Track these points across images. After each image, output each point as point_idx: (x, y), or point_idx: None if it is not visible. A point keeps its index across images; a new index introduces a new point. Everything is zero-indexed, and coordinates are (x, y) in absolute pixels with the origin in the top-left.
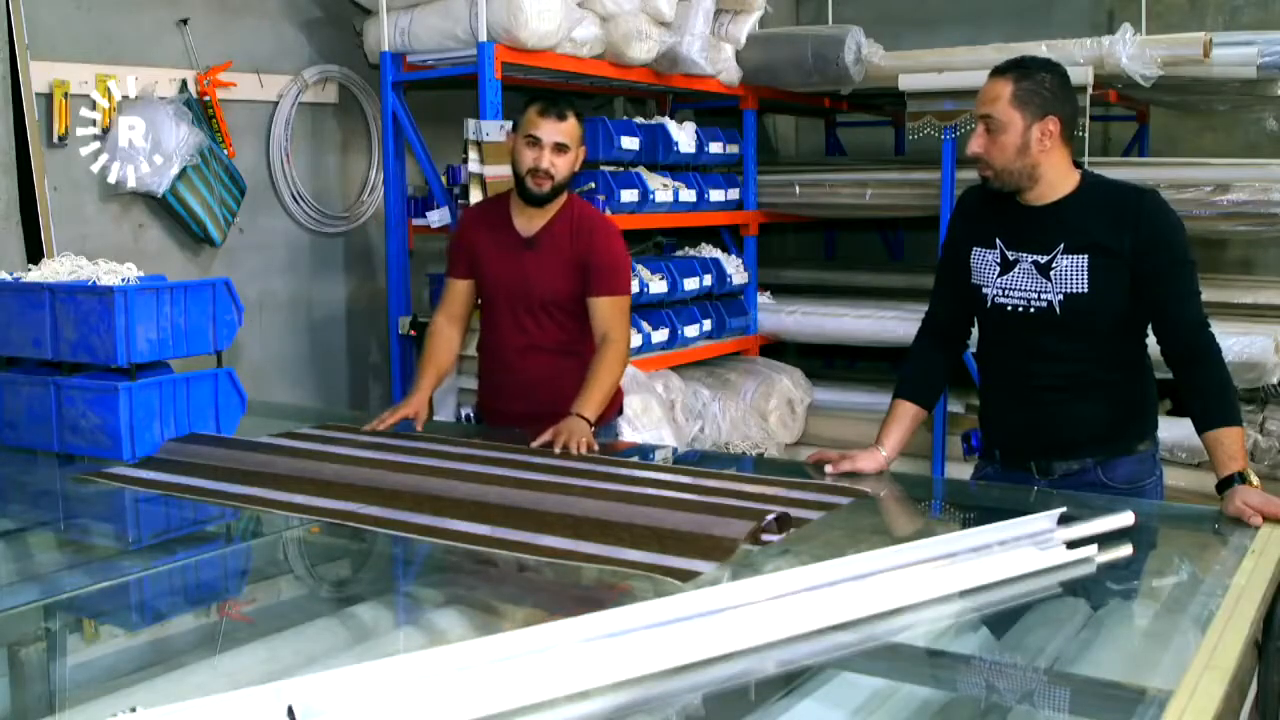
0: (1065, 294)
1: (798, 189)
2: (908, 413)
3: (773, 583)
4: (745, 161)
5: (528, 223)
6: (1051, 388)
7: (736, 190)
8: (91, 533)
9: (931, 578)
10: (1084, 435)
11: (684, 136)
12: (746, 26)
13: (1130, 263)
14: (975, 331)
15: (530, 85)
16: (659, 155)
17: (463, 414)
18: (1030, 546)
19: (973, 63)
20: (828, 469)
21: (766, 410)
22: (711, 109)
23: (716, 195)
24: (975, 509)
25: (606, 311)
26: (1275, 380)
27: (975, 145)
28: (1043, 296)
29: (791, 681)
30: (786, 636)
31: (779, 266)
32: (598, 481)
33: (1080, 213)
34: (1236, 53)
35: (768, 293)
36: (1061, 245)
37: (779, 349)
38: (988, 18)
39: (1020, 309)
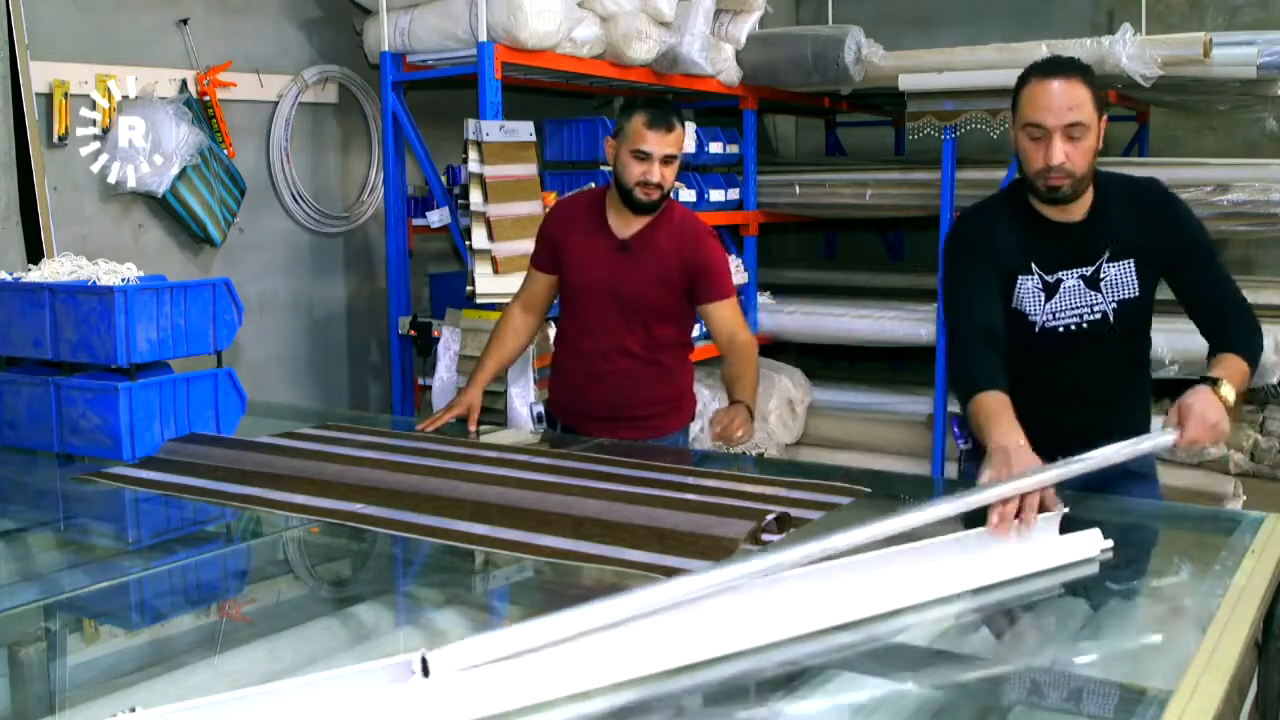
0: (1119, 301)
1: (798, 189)
2: (1003, 400)
3: (773, 583)
4: (745, 161)
5: (625, 225)
6: (1098, 392)
7: (736, 190)
8: (91, 533)
9: (932, 578)
10: (1113, 432)
11: None
12: (746, 26)
13: (1162, 256)
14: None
15: (530, 85)
16: None
17: (535, 412)
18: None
19: (973, 63)
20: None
21: (766, 410)
22: (711, 109)
23: (716, 195)
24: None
25: (727, 314)
26: (1275, 380)
27: (1059, 155)
28: (1095, 309)
29: (792, 681)
30: (787, 636)
31: (779, 266)
32: (598, 481)
33: (1111, 217)
34: (1236, 53)
35: (768, 293)
36: (1106, 254)
37: (779, 349)
38: (988, 18)
39: (1073, 327)
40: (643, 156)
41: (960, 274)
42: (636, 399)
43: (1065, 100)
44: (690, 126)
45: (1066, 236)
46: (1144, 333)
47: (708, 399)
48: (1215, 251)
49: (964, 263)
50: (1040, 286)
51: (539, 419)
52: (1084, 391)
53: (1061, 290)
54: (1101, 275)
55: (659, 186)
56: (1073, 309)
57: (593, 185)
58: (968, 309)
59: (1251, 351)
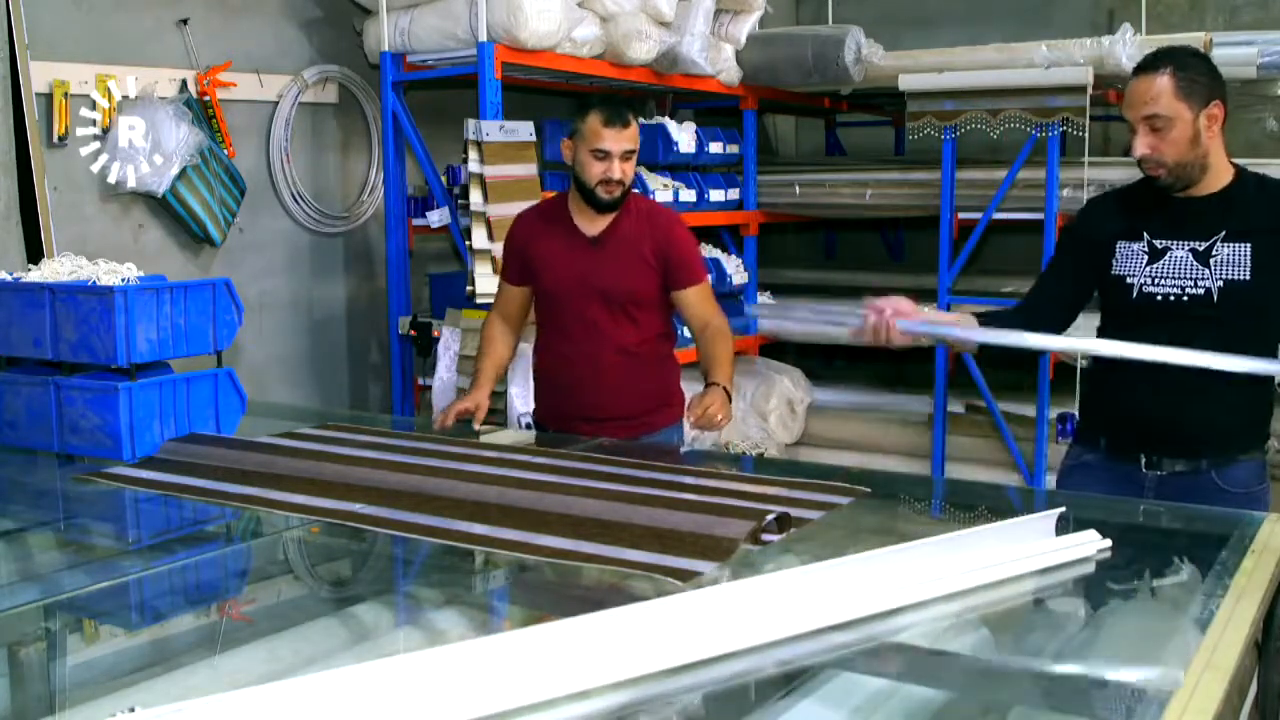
0: (1226, 280)
1: (798, 189)
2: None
3: (773, 583)
4: (745, 161)
5: (591, 224)
6: (1187, 380)
7: (736, 190)
8: (91, 533)
9: (931, 578)
10: (1209, 432)
11: (684, 136)
12: (746, 26)
13: None
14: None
15: (530, 85)
16: (659, 155)
17: (521, 423)
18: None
19: (973, 63)
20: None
21: (766, 410)
22: (711, 109)
23: (716, 195)
24: (975, 509)
25: (699, 299)
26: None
27: (1143, 146)
28: (1200, 284)
29: (791, 681)
30: (786, 636)
31: (779, 266)
32: (598, 481)
33: (1243, 201)
34: (1236, 53)
35: (768, 293)
36: (1223, 232)
37: (779, 349)
38: (988, 18)
39: (1173, 297)
40: (602, 155)
41: (1058, 253)
42: (624, 398)
43: (1139, 94)
44: (690, 126)
45: (1186, 209)
46: (1261, 328)
47: (748, 398)
48: None
49: (1062, 253)
50: (1145, 250)
51: (527, 429)
52: (1171, 375)
53: (1167, 258)
54: (1214, 253)
55: (620, 183)
56: (1175, 278)
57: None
58: (1035, 289)
59: None
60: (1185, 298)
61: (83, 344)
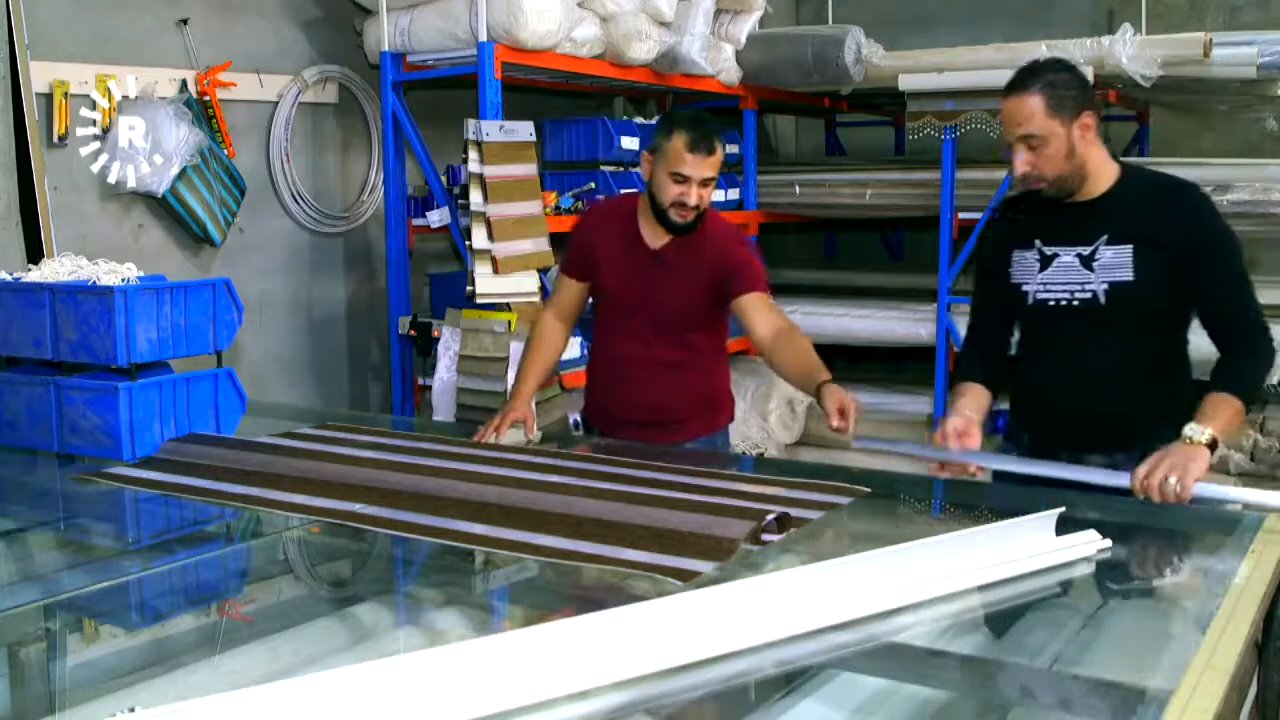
0: (1110, 284)
1: (798, 189)
2: (974, 387)
3: (773, 583)
4: (745, 161)
5: (657, 237)
6: (1091, 377)
7: (736, 190)
8: (91, 533)
9: (931, 578)
10: (1123, 427)
11: None
12: (746, 26)
13: (1176, 255)
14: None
15: (530, 85)
16: None
17: (570, 420)
18: (1029, 547)
19: (973, 63)
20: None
21: (766, 410)
22: (711, 109)
23: (716, 195)
24: (975, 509)
25: (762, 305)
26: (1275, 380)
27: (1023, 165)
28: (1086, 288)
29: (791, 681)
30: (786, 636)
31: (779, 266)
32: (598, 481)
33: (1123, 204)
34: (1236, 53)
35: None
36: (1105, 236)
37: None
38: (988, 18)
39: (1064, 302)
40: (681, 180)
41: (979, 277)
42: (673, 403)
43: (1013, 114)
44: None
45: (1070, 215)
46: (1153, 326)
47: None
48: (1234, 258)
49: (984, 265)
50: (1037, 258)
51: (575, 427)
52: (1080, 374)
53: (1055, 264)
54: (1097, 256)
55: (696, 208)
56: (1063, 284)
57: (592, 185)
58: (975, 319)
59: (1247, 383)
60: (1075, 302)
61: (83, 344)
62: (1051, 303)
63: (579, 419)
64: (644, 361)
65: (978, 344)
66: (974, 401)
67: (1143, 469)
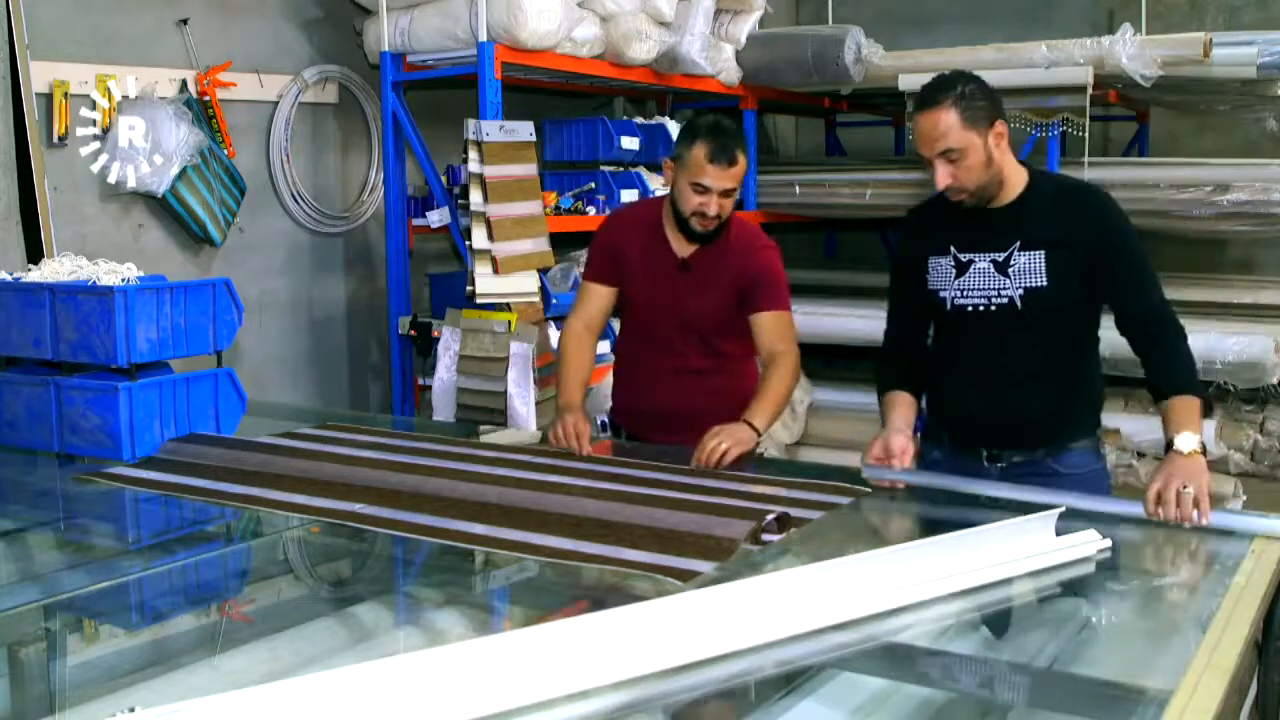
0: (1025, 288)
1: (798, 189)
2: (905, 398)
3: (773, 583)
4: None
5: (683, 244)
6: (1011, 379)
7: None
8: (91, 533)
9: (931, 578)
10: (1038, 426)
11: None
12: (746, 26)
13: (1084, 257)
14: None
15: (530, 85)
16: (659, 155)
17: (598, 420)
18: (1028, 546)
19: (973, 63)
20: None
21: None
22: (712, 109)
23: None
24: (975, 509)
25: (771, 325)
26: (1275, 380)
27: (945, 178)
28: (1003, 293)
29: (791, 681)
30: (786, 636)
31: None
32: (598, 481)
33: (1033, 210)
34: (1236, 53)
35: None
36: (1018, 242)
37: None
38: (988, 18)
39: (981, 308)
40: (701, 190)
41: (894, 280)
42: (700, 406)
43: (928, 131)
44: None
45: (984, 222)
46: (1068, 327)
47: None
48: (1147, 262)
49: (899, 267)
50: (953, 265)
51: (603, 428)
52: (1000, 376)
53: (971, 271)
54: (1012, 262)
55: (716, 218)
56: (980, 290)
57: (592, 185)
58: (892, 324)
59: (1192, 377)
60: (992, 308)
61: (83, 344)
62: (969, 308)
63: (606, 420)
64: (672, 369)
65: (899, 346)
66: (906, 414)
67: (1152, 491)
